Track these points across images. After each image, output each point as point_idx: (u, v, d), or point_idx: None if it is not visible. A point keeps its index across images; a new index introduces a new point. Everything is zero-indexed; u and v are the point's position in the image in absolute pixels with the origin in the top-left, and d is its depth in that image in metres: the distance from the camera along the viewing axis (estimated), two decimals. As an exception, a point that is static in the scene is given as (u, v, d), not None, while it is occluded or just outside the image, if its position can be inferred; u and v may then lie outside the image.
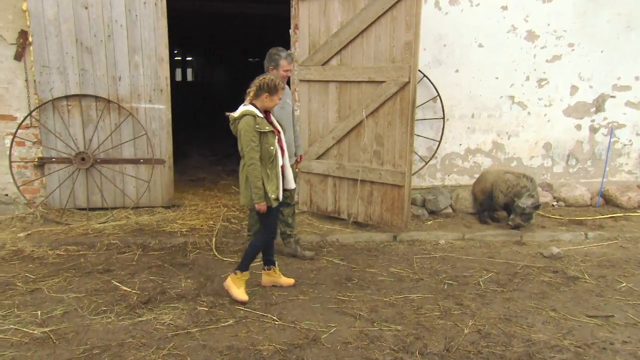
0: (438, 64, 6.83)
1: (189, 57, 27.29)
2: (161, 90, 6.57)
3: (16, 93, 6.34)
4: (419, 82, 6.73)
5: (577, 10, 6.91)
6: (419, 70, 6.64)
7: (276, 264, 4.64)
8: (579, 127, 7.30)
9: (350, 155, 6.14)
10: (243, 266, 4.28)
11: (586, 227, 6.49)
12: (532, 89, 7.09)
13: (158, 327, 3.82)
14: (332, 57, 6.05)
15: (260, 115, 4.06)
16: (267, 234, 4.39)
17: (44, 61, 6.24)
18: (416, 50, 5.47)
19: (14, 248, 5.50)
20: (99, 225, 6.21)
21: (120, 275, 4.86)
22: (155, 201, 6.86)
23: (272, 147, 4.11)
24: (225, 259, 5.33)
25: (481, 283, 4.77)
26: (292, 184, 4.60)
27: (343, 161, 6.18)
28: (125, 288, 4.53)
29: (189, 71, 32.21)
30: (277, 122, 4.68)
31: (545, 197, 7.11)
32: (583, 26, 6.96)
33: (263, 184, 4.07)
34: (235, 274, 4.28)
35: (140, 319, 3.96)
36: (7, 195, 6.54)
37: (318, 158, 6.35)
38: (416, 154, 7.01)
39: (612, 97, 7.24)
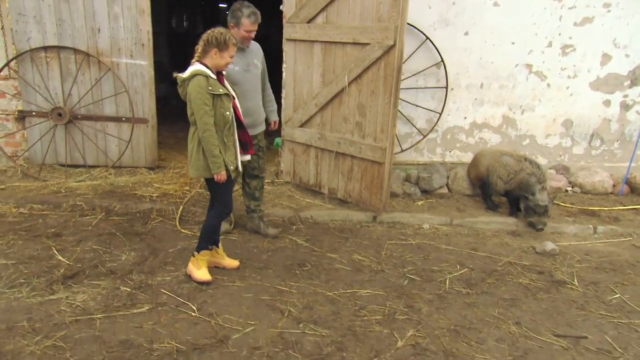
0: (445, 24, 5.96)
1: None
2: (142, 45, 6.10)
3: (-3, 37, 6.05)
4: (421, 45, 5.95)
5: None
6: (422, 32, 5.88)
7: (219, 244, 4.20)
8: (607, 102, 6.29)
9: (332, 125, 5.52)
10: (200, 247, 3.94)
11: (598, 219, 5.64)
12: (555, 57, 6.11)
13: (63, 309, 3.49)
14: (318, 13, 5.34)
15: (213, 75, 3.59)
16: (221, 209, 3.97)
17: (19, 9, 5.86)
18: (404, 7, 4.68)
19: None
20: (75, 183, 5.97)
21: (66, 242, 4.59)
22: (138, 161, 6.53)
23: (227, 112, 3.65)
24: (184, 230, 4.97)
25: (447, 281, 4.17)
26: (245, 157, 4.09)
27: (325, 131, 5.57)
28: (61, 258, 4.25)
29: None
30: (239, 85, 4.24)
31: (559, 182, 6.25)
32: None
33: (221, 152, 3.64)
34: (194, 256, 3.94)
35: (51, 297, 3.64)
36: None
37: (301, 126, 5.77)
38: (414, 126, 6.28)
39: None
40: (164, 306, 3.59)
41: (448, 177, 6.24)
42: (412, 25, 5.86)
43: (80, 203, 5.39)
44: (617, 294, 4.07)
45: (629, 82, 6.21)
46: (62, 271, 4.00)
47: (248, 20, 4.19)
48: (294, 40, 5.64)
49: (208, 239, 3.97)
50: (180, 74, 3.63)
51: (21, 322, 3.31)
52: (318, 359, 3.07)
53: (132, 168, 6.50)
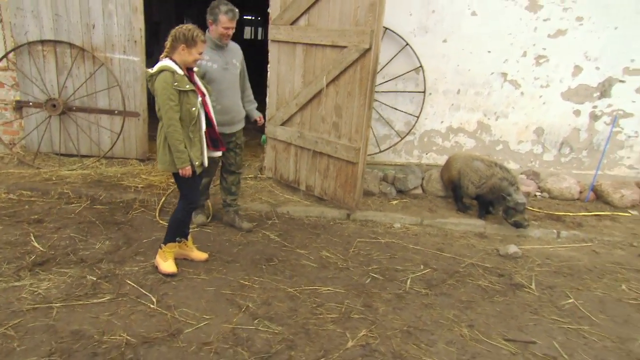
0: (424, 31, 5.60)
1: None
2: (135, 41, 5.76)
3: (-4, 32, 5.72)
4: (401, 50, 5.59)
5: None
6: (402, 38, 5.52)
7: (189, 237, 3.87)
8: (577, 112, 5.92)
9: (311, 125, 5.17)
10: (167, 239, 3.64)
11: (562, 225, 5.26)
12: (529, 66, 5.74)
13: (24, 296, 3.21)
14: (301, 15, 4.99)
15: (180, 71, 3.27)
16: (187, 203, 3.64)
17: (18, 3, 5.55)
18: (380, 12, 4.34)
19: (-33, 189, 5.06)
20: (66, 172, 5.66)
21: (46, 229, 4.29)
22: (129, 153, 6.20)
23: (194, 108, 3.33)
24: (162, 221, 4.63)
25: (409, 281, 3.83)
26: (215, 153, 3.75)
27: (304, 130, 5.22)
28: (36, 244, 3.95)
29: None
30: (217, 83, 3.96)
31: (528, 187, 5.89)
32: None
33: (186, 147, 3.34)
34: (161, 248, 3.65)
35: (15, 283, 3.36)
36: (-4, 135, 6.07)
37: (283, 124, 5.43)
38: (392, 128, 5.93)
39: (621, 81, 5.77)
40: (125, 297, 3.31)
41: (423, 179, 5.89)
42: (393, 31, 5.53)
43: (67, 191, 5.09)
44: (571, 299, 3.74)
45: (598, 93, 5.84)
46: (33, 258, 3.73)
47: (226, 17, 3.87)
48: (278, 41, 5.29)
49: (175, 232, 3.66)
50: (149, 69, 3.33)
51: None
52: (265, 357, 2.77)
53: (123, 159, 6.17)
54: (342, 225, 4.96)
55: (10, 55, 5.69)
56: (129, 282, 3.47)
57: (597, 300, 3.74)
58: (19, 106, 5.89)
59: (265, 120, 4.99)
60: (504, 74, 5.77)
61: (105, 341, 2.79)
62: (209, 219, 4.71)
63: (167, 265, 3.60)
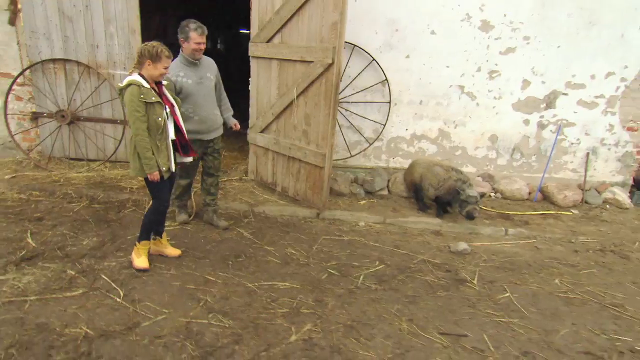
0: (389, 48, 5.45)
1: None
2: (134, 59, 5.66)
3: (12, 54, 5.69)
4: (369, 65, 5.45)
5: (536, 1, 5.22)
6: (369, 54, 5.38)
7: (163, 234, 3.76)
8: (527, 122, 5.73)
9: (285, 132, 5.05)
10: (141, 237, 3.53)
11: (511, 223, 5.07)
12: (483, 80, 5.56)
13: (4, 290, 3.09)
14: (275, 34, 4.88)
15: (146, 85, 3.15)
16: (158, 204, 3.51)
17: (32, 27, 5.51)
18: (342, 31, 4.21)
19: (-10, 187, 4.96)
20: (74, 174, 5.58)
21: (44, 226, 4.17)
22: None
23: (159, 119, 3.21)
24: None
25: (362, 277, 3.65)
26: (186, 159, 3.62)
27: (279, 137, 5.11)
28: (30, 240, 3.84)
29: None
30: (193, 96, 3.86)
31: (484, 188, 5.71)
32: (541, 19, 5.28)
33: (153, 153, 3.22)
34: (136, 245, 3.54)
35: (0, 277, 3.23)
36: (10, 141, 6.02)
37: (261, 131, 5.31)
38: (362, 135, 5.79)
39: (564, 94, 5.57)
40: (97, 291, 3.17)
41: (389, 181, 5.74)
42: (361, 48, 5.40)
43: (70, 192, 5.00)
44: (507, 293, 3.55)
45: (544, 105, 5.64)
46: (23, 253, 3.60)
47: (195, 33, 3.76)
48: (257, 57, 5.18)
49: (148, 231, 3.55)
50: (119, 84, 3.24)
51: None
52: (210, 350, 2.62)
53: (125, 162, 6.07)
54: (311, 223, 4.79)
55: (27, 73, 5.64)
56: (104, 276, 3.34)
57: (531, 294, 3.55)
58: (35, 117, 5.85)
59: (242, 127, 4.86)
60: (462, 87, 5.60)
61: (65, 334, 2.65)
62: (191, 218, 4.58)
63: (140, 261, 3.49)
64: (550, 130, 5.72)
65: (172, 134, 3.37)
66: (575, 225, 5.11)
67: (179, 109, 3.52)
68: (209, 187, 4.43)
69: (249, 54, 5.28)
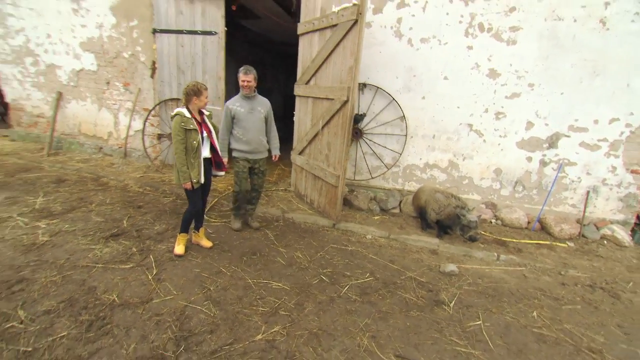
0: (408, 90, 4.78)
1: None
2: (219, 97, 5.80)
3: (150, 96, 6.18)
4: (389, 104, 4.86)
5: (541, 53, 4.16)
6: (389, 94, 4.79)
7: (200, 229, 3.57)
8: (529, 159, 4.56)
9: (314, 155, 4.68)
10: (181, 229, 3.41)
11: (504, 249, 3.99)
12: (490, 120, 4.58)
13: (89, 256, 3.09)
14: (311, 78, 4.57)
15: (188, 115, 3.05)
16: (191, 207, 3.32)
17: (162, 78, 5.95)
18: (356, 74, 3.75)
19: (123, 182, 5.31)
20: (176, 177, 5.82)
21: (139, 212, 4.25)
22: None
23: (195, 142, 3.08)
24: (205, 216, 4.26)
25: (347, 287, 3.03)
26: (219, 173, 3.43)
27: (310, 159, 4.75)
28: (124, 222, 3.89)
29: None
30: (243, 121, 3.64)
31: (486, 215, 4.68)
32: (545, 69, 4.19)
33: (187, 168, 3.09)
34: (178, 235, 3.44)
35: (92, 246, 3.28)
36: (144, 153, 6.53)
37: (299, 154, 5.00)
38: (382, 161, 5.17)
39: (566, 136, 4.33)
40: (142, 267, 3.04)
41: (401, 201, 5.01)
42: (383, 90, 4.83)
43: (167, 189, 5.15)
44: (479, 320, 2.68)
45: (547, 144, 4.44)
46: (114, 231, 3.63)
47: (241, 73, 3.61)
48: (299, 96, 4.91)
49: (185, 226, 3.38)
50: (171, 113, 3.18)
51: (62, 261, 2.95)
52: (187, 335, 2.31)
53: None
54: (327, 232, 4.21)
55: (157, 108, 6.08)
56: (151, 256, 3.24)
57: (504, 325, 2.64)
58: (159, 137, 6.29)
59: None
60: (470, 125, 4.68)
61: (100, 299, 2.55)
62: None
63: (178, 248, 3.35)
64: (552, 168, 4.49)
65: (206, 153, 3.23)
66: (568, 257, 3.88)
67: (216, 134, 3.37)
68: (251, 198, 4.09)
69: (294, 93, 5.05)
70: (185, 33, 5.67)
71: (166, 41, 5.79)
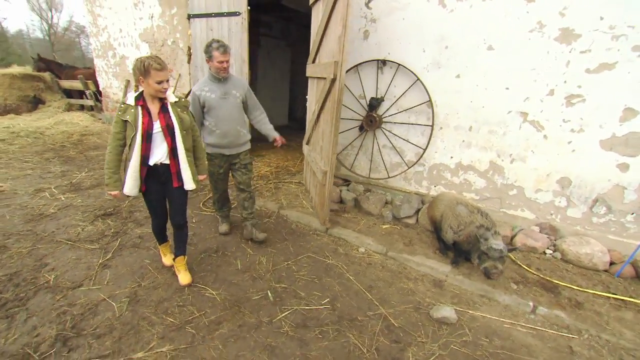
0: (437, 67, 3.60)
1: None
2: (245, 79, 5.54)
3: (187, 81, 6.34)
4: (412, 85, 3.80)
5: None
6: (413, 73, 3.75)
7: (179, 257, 2.67)
8: (624, 166, 2.89)
9: (314, 146, 3.98)
10: (158, 241, 2.79)
11: (551, 297, 2.58)
12: (557, 107, 3.07)
13: (68, 233, 3.05)
14: (315, 55, 3.85)
15: (131, 103, 2.22)
16: (151, 219, 2.59)
17: (195, 63, 5.97)
18: (345, 44, 2.90)
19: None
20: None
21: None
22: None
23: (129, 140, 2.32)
24: (204, 208, 4.09)
25: (289, 312, 2.35)
26: (187, 185, 2.42)
27: (312, 150, 4.06)
28: (125, 202, 3.83)
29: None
30: (215, 110, 3.00)
31: (536, 241, 3.21)
32: None
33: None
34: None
35: (81, 223, 3.28)
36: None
37: (307, 143, 4.35)
38: (402, 158, 4.11)
39: None
40: (102, 249, 2.90)
41: (419, 210, 3.90)
42: (405, 67, 3.77)
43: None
44: None
45: None
46: (110, 210, 3.60)
47: (218, 52, 2.93)
48: (308, 77, 4.23)
49: (157, 237, 2.76)
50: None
51: (47, 232, 2.98)
52: (73, 335, 2.04)
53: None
54: (317, 235, 3.50)
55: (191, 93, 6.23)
56: (119, 239, 3.06)
57: None
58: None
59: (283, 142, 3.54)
60: (524, 114, 3.25)
61: (37, 277, 2.45)
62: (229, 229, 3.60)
63: (164, 259, 2.81)
64: (662, 183, 2.77)
65: (158, 157, 2.28)
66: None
67: (182, 130, 2.34)
68: (242, 201, 3.37)
69: (306, 74, 4.36)
70: (214, 16, 5.51)
71: (198, 26, 5.75)
